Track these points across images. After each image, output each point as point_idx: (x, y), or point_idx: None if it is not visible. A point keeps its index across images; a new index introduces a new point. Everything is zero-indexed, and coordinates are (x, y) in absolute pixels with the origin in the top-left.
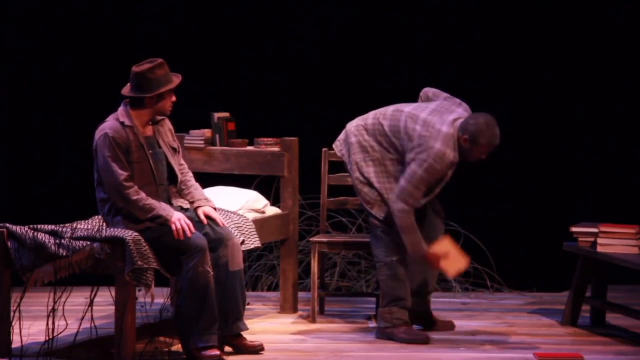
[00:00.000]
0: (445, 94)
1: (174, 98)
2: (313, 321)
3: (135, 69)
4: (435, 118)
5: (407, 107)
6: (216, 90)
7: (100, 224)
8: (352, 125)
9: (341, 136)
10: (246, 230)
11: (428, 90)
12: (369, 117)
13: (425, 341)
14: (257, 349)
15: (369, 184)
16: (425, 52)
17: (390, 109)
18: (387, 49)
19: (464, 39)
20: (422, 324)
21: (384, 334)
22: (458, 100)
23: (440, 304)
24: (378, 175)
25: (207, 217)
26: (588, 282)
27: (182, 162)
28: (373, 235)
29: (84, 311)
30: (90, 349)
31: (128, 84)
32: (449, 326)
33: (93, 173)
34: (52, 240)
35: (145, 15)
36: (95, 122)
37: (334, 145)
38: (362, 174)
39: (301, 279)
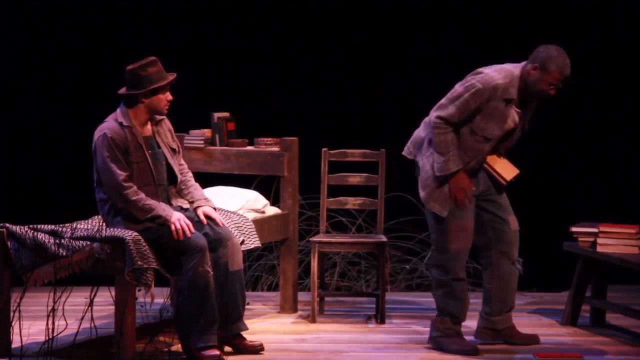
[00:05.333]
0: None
1: (169, 97)
2: (313, 321)
3: (128, 67)
4: (498, 65)
5: None
6: (216, 90)
7: (100, 224)
8: (420, 128)
9: (409, 143)
10: (246, 230)
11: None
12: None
13: (475, 352)
14: (257, 349)
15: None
16: (427, 53)
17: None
18: (388, 49)
19: (464, 40)
20: (505, 339)
21: (436, 343)
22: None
23: None
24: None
25: (207, 217)
26: (588, 282)
27: (182, 162)
28: (431, 249)
29: (84, 311)
30: (90, 349)
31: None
32: (533, 339)
33: (93, 173)
34: (52, 240)
35: (145, 15)
36: (95, 122)
37: (404, 153)
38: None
39: (301, 279)
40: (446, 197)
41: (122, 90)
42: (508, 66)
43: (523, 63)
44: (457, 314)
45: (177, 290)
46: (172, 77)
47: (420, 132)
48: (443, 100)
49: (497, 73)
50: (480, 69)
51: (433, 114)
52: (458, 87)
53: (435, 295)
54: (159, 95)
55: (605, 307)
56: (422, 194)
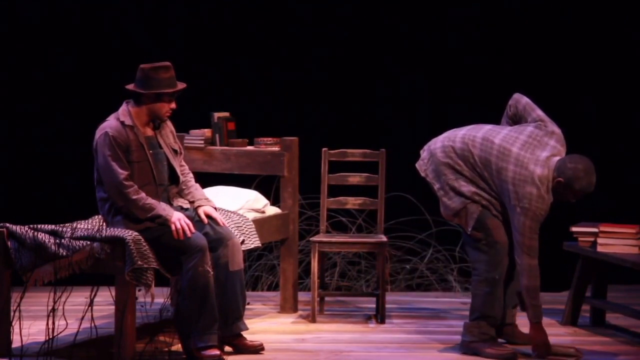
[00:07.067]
0: (536, 112)
1: (173, 105)
2: (313, 321)
3: (141, 65)
4: (528, 154)
5: (497, 137)
6: (216, 90)
7: (100, 223)
8: (438, 146)
9: (425, 155)
10: (246, 230)
11: (519, 100)
12: (457, 139)
13: (513, 358)
14: (257, 349)
15: (461, 195)
16: (427, 53)
17: (479, 136)
18: (388, 49)
19: (464, 41)
20: (505, 337)
21: (469, 349)
22: (550, 128)
23: (440, 304)
24: (470, 189)
25: (208, 216)
26: (588, 282)
27: (183, 163)
28: (473, 247)
29: (84, 311)
30: (90, 349)
31: None
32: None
33: (93, 173)
34: (52, 240)
35: (146, 15)
36: (95, 122)
37: (417, 165)
38: (454, 190)
39: (301, 279)
40: (472, 215)
41: (129, 86)
42: (538, 170)
43: (546, 155)
44: (497, 315)
45: (177, 290)
46: (181, 86)
47: (438, 154)
48: (522, 240)
49: (540, 189)
50: (520, 185)
51: (520, 259)
52: (524, 220)
53: (476, 295)
54: (162, 102)
55: (605, 307)
56: (451, 218)
